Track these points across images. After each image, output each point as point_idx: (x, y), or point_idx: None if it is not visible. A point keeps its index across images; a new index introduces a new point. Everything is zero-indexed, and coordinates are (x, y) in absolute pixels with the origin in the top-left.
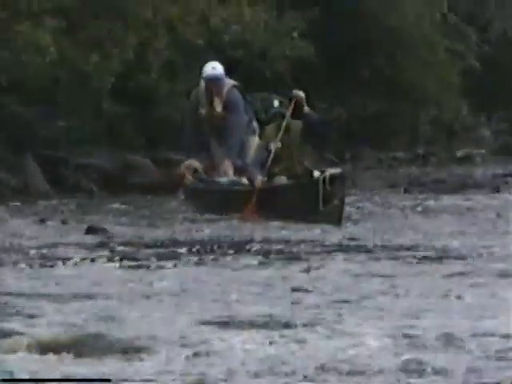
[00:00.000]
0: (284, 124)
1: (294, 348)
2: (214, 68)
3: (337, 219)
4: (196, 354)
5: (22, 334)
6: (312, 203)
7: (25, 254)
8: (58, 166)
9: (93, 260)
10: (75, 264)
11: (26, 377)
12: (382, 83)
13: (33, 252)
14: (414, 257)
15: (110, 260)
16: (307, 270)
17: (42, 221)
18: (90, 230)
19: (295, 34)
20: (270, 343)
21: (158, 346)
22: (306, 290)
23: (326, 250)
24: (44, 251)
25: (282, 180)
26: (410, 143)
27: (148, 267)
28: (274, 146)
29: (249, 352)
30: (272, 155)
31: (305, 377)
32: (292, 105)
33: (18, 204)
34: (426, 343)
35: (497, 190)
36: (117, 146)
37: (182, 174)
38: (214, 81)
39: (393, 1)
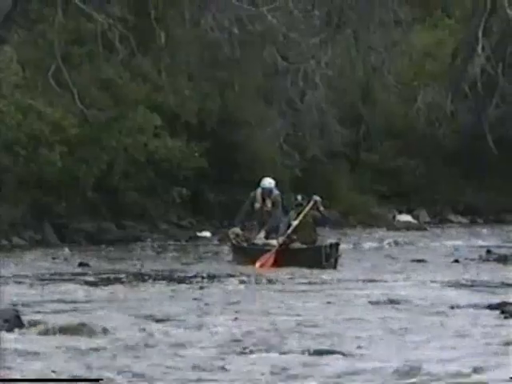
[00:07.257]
0: (304, 212)
1: None
2: (270, 183)
3: (333, 268)
4: None
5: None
6: (318, 260)
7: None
8: (61, 229)
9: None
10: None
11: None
12: (243, 183)
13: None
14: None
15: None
16: None
17: (54, 258)
18: (81, 264)
19: (196, 154)
20: None
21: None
22: None
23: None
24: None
25: (298, 245)
26: None
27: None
28: (295, 223)
29: None
30: (292, 228)
31: None
32: (312, 202)
33: (44, 249)
34: None
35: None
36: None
37: (228, 236)
38: (267, 190)
39: (253, 135)
